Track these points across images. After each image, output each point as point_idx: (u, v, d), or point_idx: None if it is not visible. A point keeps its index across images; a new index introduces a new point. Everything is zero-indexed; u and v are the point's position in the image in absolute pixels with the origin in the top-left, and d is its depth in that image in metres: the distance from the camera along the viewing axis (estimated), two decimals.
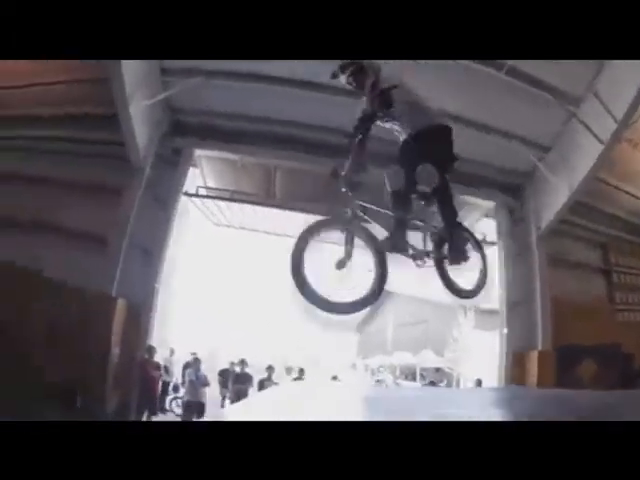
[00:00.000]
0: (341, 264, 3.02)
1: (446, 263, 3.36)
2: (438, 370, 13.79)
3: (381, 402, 3.51)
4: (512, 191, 8.75)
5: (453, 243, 3.26)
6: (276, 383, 8.98)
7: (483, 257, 3.51)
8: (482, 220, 9.27)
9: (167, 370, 9.60)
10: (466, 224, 3.90)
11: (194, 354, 9.56)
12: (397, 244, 3.14)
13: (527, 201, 8.58)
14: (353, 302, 3.02)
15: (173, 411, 9.58)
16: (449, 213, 3.27)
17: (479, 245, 3.55)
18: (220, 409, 9.05)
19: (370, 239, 3.08)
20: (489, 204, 8.99)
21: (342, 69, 3.19)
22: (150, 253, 7.63)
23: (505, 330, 8.43)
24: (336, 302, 2.96)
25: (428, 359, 14.64)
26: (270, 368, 9.41)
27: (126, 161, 7.26)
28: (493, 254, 8.34)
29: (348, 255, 3.04)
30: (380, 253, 3.06)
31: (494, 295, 8.44)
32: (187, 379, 8.47)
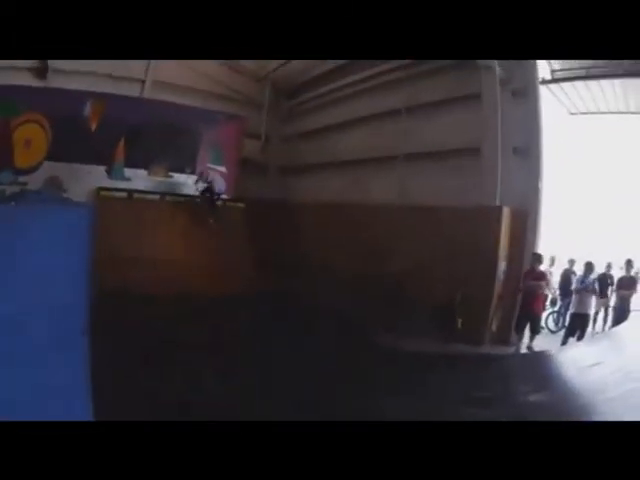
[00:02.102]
0: None
1: None
2: None
3: None
4: None
5: None
6: None
7: None
8: None
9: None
10: None
11: (572, 261, 8.74)
12: None
13: None
14: None
15: (549, 328, 8.69)
16: None
17: None
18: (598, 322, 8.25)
19: None
20: None
21: None
22: (526, 153, 6.92)
23: None
24: None
25: None
26: None
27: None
28: None
29: None
30: None
31: None
32: (575, 286, 7.55)
